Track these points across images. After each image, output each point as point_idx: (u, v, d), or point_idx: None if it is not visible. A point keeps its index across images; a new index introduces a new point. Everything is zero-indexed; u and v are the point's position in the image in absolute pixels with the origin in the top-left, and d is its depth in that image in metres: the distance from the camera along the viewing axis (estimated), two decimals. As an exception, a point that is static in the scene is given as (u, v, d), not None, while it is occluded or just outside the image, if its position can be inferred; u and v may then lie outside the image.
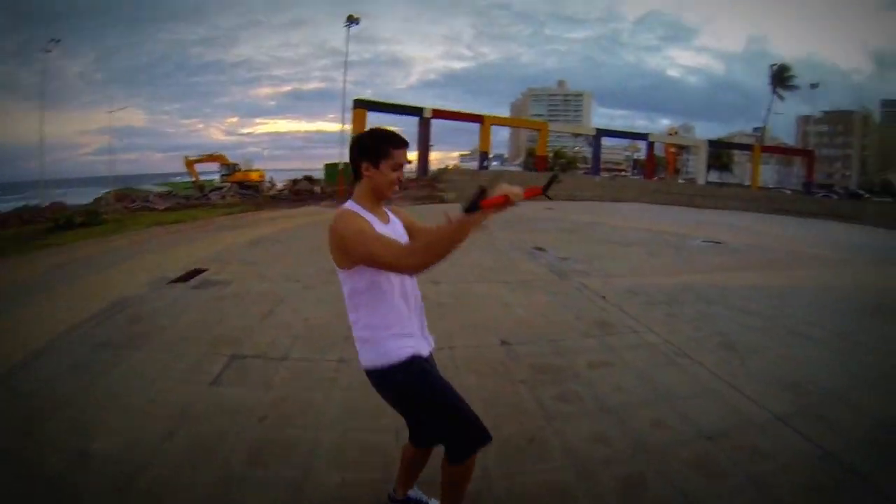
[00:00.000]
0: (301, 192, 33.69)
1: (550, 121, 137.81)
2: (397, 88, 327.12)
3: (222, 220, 19.75)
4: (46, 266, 10.55)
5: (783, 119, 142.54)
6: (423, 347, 2.31)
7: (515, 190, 1.90)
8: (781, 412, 4.04)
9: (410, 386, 2.19)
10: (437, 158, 36.84)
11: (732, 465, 3.31)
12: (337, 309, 6.96)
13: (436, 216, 1.98)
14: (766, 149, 58.02)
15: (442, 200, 25.41)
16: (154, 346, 5.49)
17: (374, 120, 33.95)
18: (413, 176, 36.98)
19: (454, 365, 4.94)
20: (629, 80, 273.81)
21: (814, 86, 66.76)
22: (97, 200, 28.89)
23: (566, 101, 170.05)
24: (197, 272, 8.88)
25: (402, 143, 2.22)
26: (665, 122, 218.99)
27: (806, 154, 58.48)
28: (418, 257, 1.93)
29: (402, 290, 2.27)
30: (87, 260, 11.06)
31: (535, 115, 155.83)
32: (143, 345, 5.49)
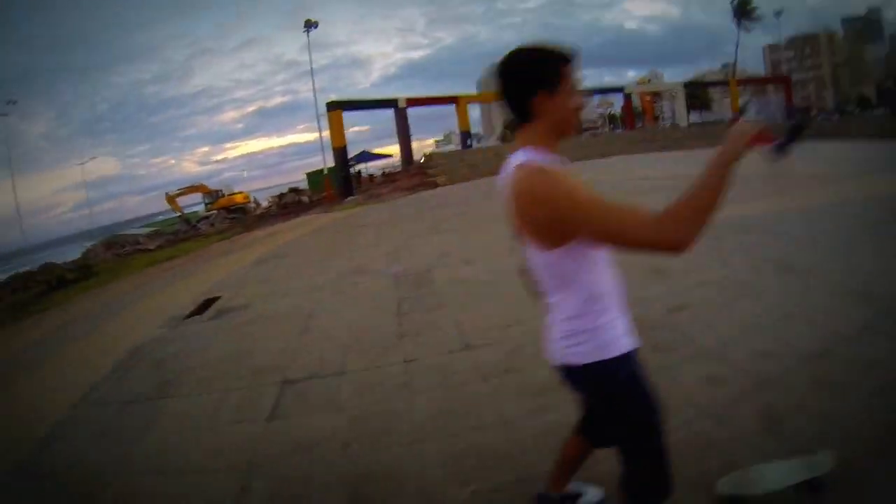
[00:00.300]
0: (289, 205, 33.03)
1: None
2: (361, 88, 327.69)
3: (218, 246, 19.02)
4: (49, 329, 9.81)
5: (750, 51, 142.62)
6: (635, 337, 1.73)
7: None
8: (868, 321, 4.01)
9: (627, 385, 1.66)
10: (413, 148, 36.40)
11: (850, 378, 3.22)
12: (376, 307, 6.41)
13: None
14: (741, 82, 57.86)
15: (436, 185, 24.73)
16: (190, 390, 4.81)
17: (350, 118, 33.22)
18: (398, 167, 36.38)
19: (535, 340, 4.38)
20: (589, 38, 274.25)
21: (778, 13, 66.35)
22: (86, 254, 27.95)
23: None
24: (210, 302, 8.21)
25: (571, 55, 1.57)
26: (632, 74, 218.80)
27: (782, 80, 58.09)
28: (686, 226, 1.29)
29: (612, 262, 1.70)
30: (91, 314, 10.34)
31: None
32: (177, 392, 4.81)
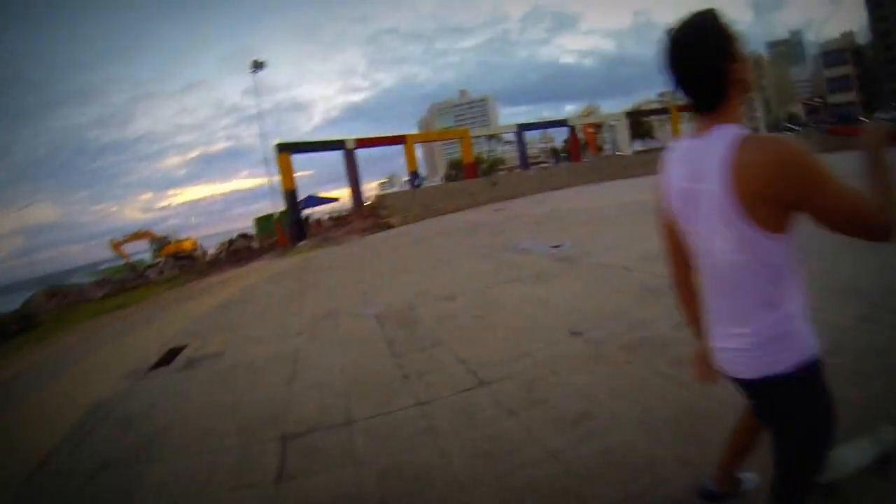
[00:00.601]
0: (239, 251, 32.14)
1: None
2: (303, 132, 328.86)
3: (170, 293, 18.13)
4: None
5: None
6: None
7: None
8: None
9: (817, 386, 1.50)
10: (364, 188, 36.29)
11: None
12: (365, 349, 5.94)
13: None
14: (681, 108, 59.78)
15: (390, 225, 24.35)
16: (172, 452, 4.23)
17: (299, 160, 32.76)
18: (345, 211, 35.90)
19: (550, 370, 4.11)
20: (526, 75, 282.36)
21: None
22: (26, 304, 26.48)
23: (471, 108, 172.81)
24: (176, 351, 7.60)
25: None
26: (570, 108, 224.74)
27: None
28: (891, 212, 1.24)
29: None
30: (38, 368, 9.51)
31: (444, 127, 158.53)
32: (156, 455, 4.21)
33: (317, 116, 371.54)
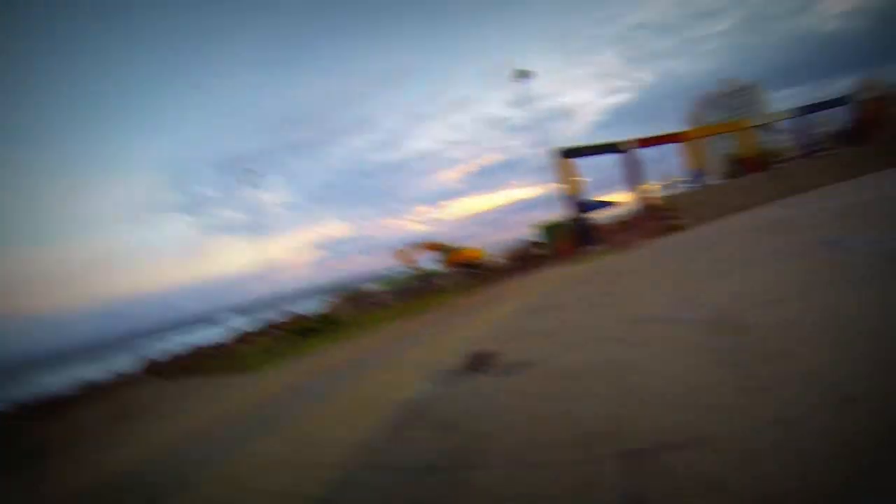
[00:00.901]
0: (525, 258, 32.62)
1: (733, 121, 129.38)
2: (570, 138, 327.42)
3: (464, 300, 18.76)
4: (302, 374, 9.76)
5: None
6: None
7: None
8: None
9: None
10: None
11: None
12: (694, 359, 5.19)
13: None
14: None
15: (680, 228, 22.85)
16: (497, 460, 3.91)
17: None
18: (630, 212, 34.79)
19: None
20: (788, 54, 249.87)
21: None
22: (329, 306, 29.71)
23: (741, 96, 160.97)
24: (483, 357, 7.44)
25: None
26: (842, 85, 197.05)
27: None
28: None
29: None
30: (340, 366, 10.18)
31: (716, 121, 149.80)
32: (479, 463, 3.95)
33: (580, 121, 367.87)
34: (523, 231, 45.55)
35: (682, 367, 5.15)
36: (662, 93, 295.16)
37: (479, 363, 7.27)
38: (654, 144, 35.03)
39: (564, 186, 29.89)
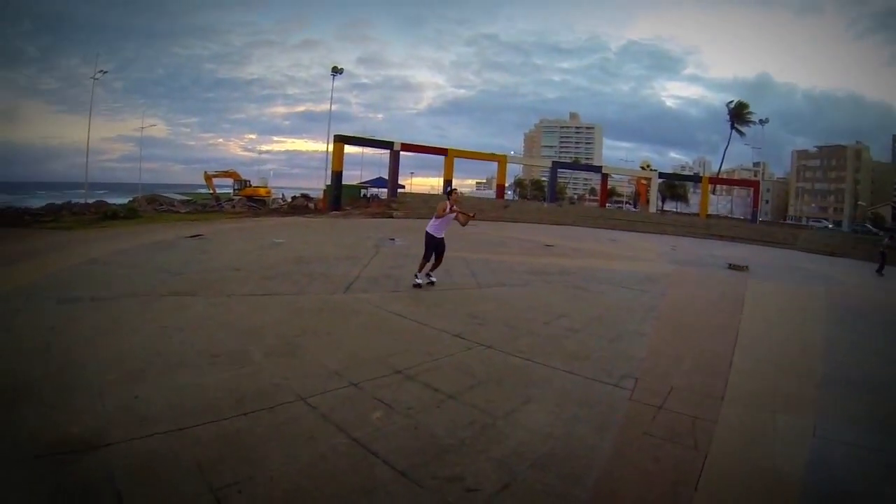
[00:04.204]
0: (297, 206, 43.92)
1: (562, 152, 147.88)
2: (408, 113, 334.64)
3: (226, 220, 29.87)
4: (117, 234, 20.66)
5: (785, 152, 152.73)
6: None
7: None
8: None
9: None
10: (456, 183, 47.81)
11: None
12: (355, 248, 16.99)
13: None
14: (713, 180, 67.89)
15: (391, 216, 35.43)
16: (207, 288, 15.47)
17: (350, 150, 44.35)
18: (381, 197, 47.36)
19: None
20: (629, 110, 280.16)
21: (762, 122, 75.17)
22: (132, 202, 39.11)
23: (578, 133, 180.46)
24: (199, 235, 18.92)
25: None
26: (674, 156, 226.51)
27: (752, 185, 68.05)
28: None
29: None
30: (139, 231, 21.18)
31: (547, 146, 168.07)
32: (195, 290, 15.48)
33: (425, 101, 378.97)
34: (318, 183, 56.69)
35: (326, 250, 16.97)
36: (506, 103, 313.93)
37: (195, 237, 18.72)
38: (419, 151, 47.89)
39: (333, 163, 41.55)
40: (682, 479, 4.30)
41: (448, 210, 10.56)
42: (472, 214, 10.92)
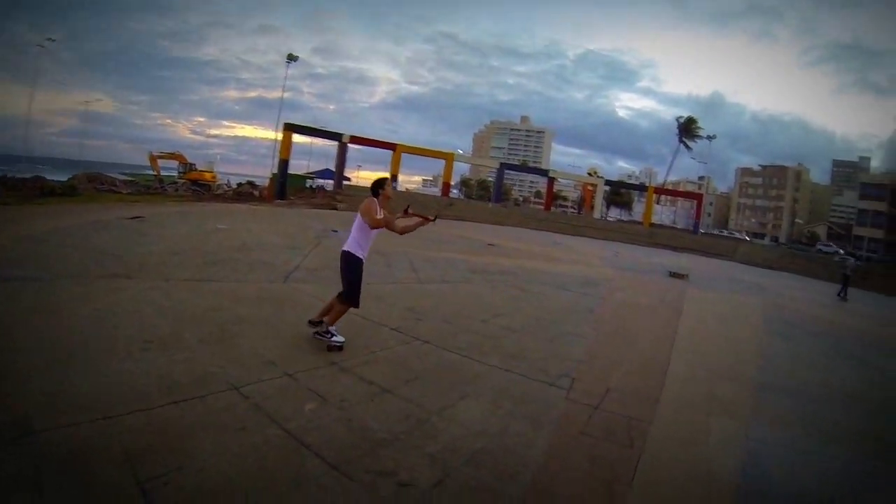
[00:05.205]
0: (242, 193, 43.14)
1: (511, 154, 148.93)
2: (361, 106, 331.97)
3: (169, 203, 29.11)
4: (54, 211, 19.95)
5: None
6: None
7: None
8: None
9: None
10: (401, 179, 47.60)
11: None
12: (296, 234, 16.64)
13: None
14: (658, 190, 69.30)
15: (335, 208, 35.10)
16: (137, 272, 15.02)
17: (299, 140, 43.75)
18: (327, 188, 46.95)
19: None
20: (581, 118, 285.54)
21: (710, 137, 77.41)
22: (72, 179, 37.70)
23: (528, 137, 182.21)
24: (140, 217, 18.38)
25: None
26: (622, 165, 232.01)
27: (696, 197, 69.63)
28: None
29: None
30: (77, 210, 20.48)
31: (497, 147, 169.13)
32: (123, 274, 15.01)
33: (378, 95, 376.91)
34: (265, 171, 55.82)
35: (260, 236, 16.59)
36: (459, 102, 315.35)
37: (135, 218, 18.20)
38: (367, 145, 47.58)
39: (280, 151, 40.95)
40: (617, 477, 4.39)
41: (379, 214, 6.36)
42: (432, 218, 6.74)
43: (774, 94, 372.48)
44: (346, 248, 6.45)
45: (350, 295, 6.33)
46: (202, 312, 7.24)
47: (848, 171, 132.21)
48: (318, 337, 6.43)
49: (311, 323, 6.65)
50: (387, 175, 5.70)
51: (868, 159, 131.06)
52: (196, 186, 46.18)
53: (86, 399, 4.34)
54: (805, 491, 4.73)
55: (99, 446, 3.69)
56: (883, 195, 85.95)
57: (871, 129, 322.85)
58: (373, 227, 6.32)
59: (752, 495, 4.47)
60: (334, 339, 6.35)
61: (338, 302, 6.37)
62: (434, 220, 6.72)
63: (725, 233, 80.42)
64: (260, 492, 3.47)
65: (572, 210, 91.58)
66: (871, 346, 12.68)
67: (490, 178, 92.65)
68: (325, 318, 6.51)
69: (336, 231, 19.71)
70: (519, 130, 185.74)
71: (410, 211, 6.48)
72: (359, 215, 6.39)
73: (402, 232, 6.62)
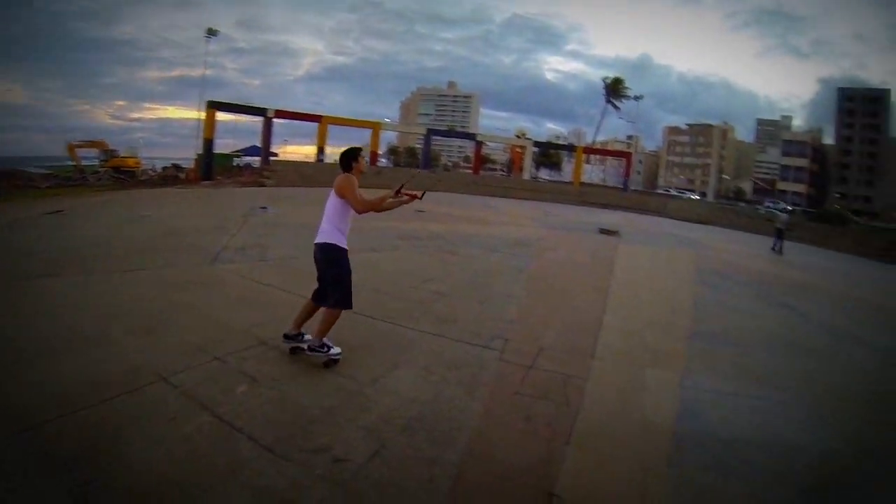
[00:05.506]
0: (168, 177, 41.76)
1: (438, 121, 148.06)
2: (286, 80, 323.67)
3: (91, 194, 27.97)
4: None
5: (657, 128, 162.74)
6: None
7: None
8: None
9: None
10: (330, 152, 46.95)
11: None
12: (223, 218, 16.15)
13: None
14: (587, 150, 70.08)
15: (263, 185, 34.36)
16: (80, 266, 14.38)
17: (223, 118, 42.51)
18: (254, 166, 45.95)
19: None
20: (509, 81, 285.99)
21: (637, 98, 79.17)
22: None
23: (455, 102, 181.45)
24: (60, 211, 17.63)
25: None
26: (551, 127, 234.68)
27: (624, 156, 70.78)
28: None
29: None
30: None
31: (424, 114, 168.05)
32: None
33: (303, 68, 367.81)
34: (191, 153, 53.89)
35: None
36: (386, 71, 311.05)
37: (55, 212, 17.45)
38: (293, 118, 46.55)
39: (205, 130, 39.69)
40: (554, 435, 4.47)
41: (356, 194, 5.34)
42: (419, 195, 5.81)
43: (701, 57, 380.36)
44: (323, 239, 5.37)
45: (342, 296, 5.32)
46: (128, 304, 6.91)
47: (771, 130, 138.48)
48: (312, 353, 5.37)
49: (288, 337, 5.58)
50: (359, 145, 4.67)
51: (790, 118, 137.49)
52: (119, 174, 44.36)
53: (7, 409, 4.13)
54: (740, 433, 4.96)
55: (24, 458, 3.50)
56: (804, 152, 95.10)
57: (793, 90, 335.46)
58: (361, 212, 5.32)
59: (688, 442, 4.65)
60: (331, 351, 5.38)
61: (327, 310, 5.35)
62: (421, 197, 5.73)
63: (673, 191, 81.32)
64: (194, 483, 3.38)
65: (502, 173, 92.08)
66: (799, 294, 13.35)
67: (418, 146, 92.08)
68: (310, 333, 5.52)
69: (265, 208, 19.25)
70: (446, 96, 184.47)
71: (403, 191, 5.61)
72: (334, 196, 5.29)
73: (383, 210, 5.65)
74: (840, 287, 16.07)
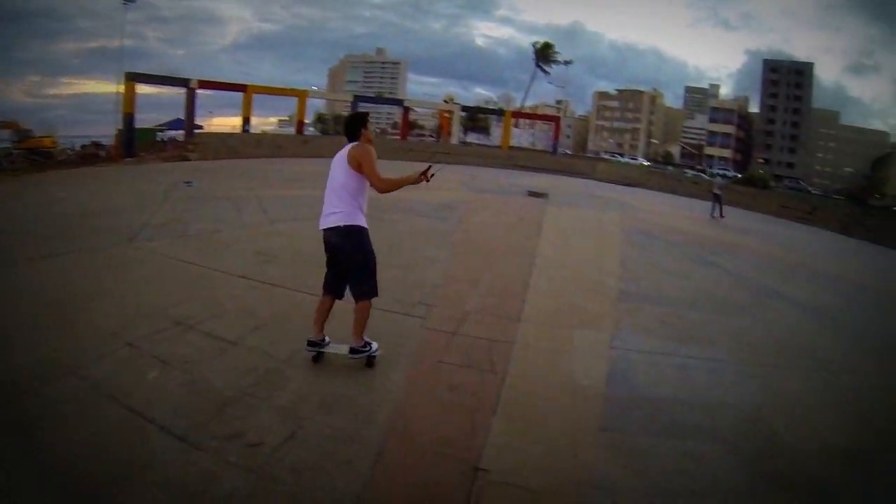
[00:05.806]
0: (87, 156, 39.77)
1: (367, 88, 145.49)
2: (212, 49, 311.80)
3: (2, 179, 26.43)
4: None
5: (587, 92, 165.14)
6: None
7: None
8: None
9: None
10: (257, 123, 44.90)
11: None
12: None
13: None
14: (516, 114, 70.05)
15: (187, 159, 33.16)
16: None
17: (145, 90, 40.64)
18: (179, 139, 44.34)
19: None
20: (438, 48, 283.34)
21: (567, 63, 79.65)
22: None
23: (383, 69, 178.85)
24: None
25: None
26: (480, 92, 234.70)
27: (553, 119, 71.08)
28: None
29: None
30: None
31: (352, 81, 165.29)
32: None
33: (230, 37, 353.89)
34: (113, 129, 51.33)
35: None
36: (314, 38, 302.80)
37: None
38: (217, 88, 44.96)
39: (124, 104, 37.90)
40: (480, 405, 4.35)
41: (377, 169, 4.88)
42: (427, 177, 5.19)
43: (633, 25, 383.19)
44: (342, 221, 4.76)
45: (372, 284, 4.73)
46: (33, 295, 6.31)
47: (699, 98, 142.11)
48: (356, 356, 4.81)
49: (312, 344, 4.87)
50: (365, 110, 4.08)
51: (717, 87, 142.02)
52: (35, 156, 41.88)
53: None
54: (670, 393, 5.01)
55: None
56: (730, 119, 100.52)
57: (721, 61, 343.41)
58: (383, 191, 4.83)
59: (618, 403, 4.66)
60: (372, 346, 4.86)
61: (360, 305, 4.77)
62: (429, 179, 5.06)
63: (619, 157, 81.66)
64: (108, 485, 3.13)
65: (430, 138, 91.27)
66: (727, 254, 13.74)
67: (346, 113, 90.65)
68: (354, 336, 4.83)
69: (189, 183, 18.49)
70: (374, 63, 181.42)
71: (430, 172, 4.93)
72: (349, 170, 4.69)
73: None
74: (768, 248, 16.29)
